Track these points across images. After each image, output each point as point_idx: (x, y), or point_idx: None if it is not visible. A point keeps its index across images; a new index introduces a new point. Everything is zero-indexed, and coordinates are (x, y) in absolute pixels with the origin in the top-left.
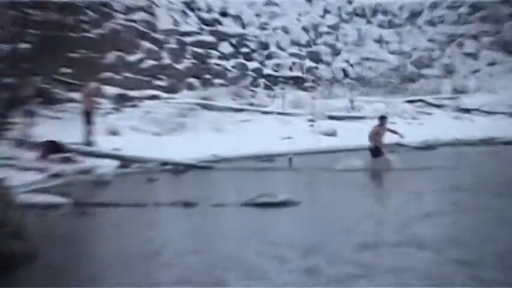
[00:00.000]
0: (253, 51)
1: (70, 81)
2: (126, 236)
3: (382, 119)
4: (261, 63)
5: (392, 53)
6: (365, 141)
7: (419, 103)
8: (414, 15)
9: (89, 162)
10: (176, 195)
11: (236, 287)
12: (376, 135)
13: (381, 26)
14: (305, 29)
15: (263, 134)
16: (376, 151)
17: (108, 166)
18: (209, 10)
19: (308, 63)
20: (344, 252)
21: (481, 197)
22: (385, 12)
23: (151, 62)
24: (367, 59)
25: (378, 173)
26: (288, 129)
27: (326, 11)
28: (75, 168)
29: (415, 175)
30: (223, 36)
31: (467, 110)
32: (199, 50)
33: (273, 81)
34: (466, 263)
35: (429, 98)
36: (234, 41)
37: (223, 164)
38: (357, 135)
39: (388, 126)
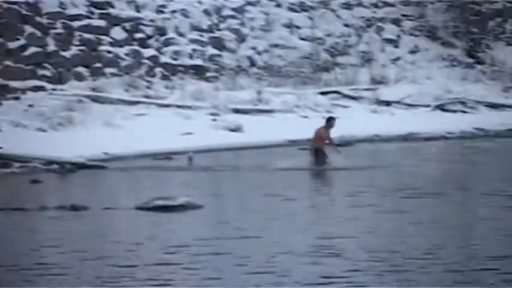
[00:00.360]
0: (149, 37)
1: None
2: (3, 245)
3: (330, 120)
4: (158, 50)
5: (304, 39)
6: (273, 138)
7: (334, 95)
8: None
9: None
10: (63, 198)
11: None
12: (319, 138)
13: (291, 9)
14: (207, 13)
15: (160, 130)
16: (316, 152)
17: None
18: None
19: (210, 50)
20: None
21: (399, 199)
22: None
23: (34, 49)
24: (276, 45)
25: (317, 173)
26: (188, 124)
27: None
28: None
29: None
30: (115, 21)
31: (387, 103)
32: (89, 36)
33: (171, 71)
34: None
35: (345, 89)
36: (127, 25)
37: (116, 163)
38: (265, 130)
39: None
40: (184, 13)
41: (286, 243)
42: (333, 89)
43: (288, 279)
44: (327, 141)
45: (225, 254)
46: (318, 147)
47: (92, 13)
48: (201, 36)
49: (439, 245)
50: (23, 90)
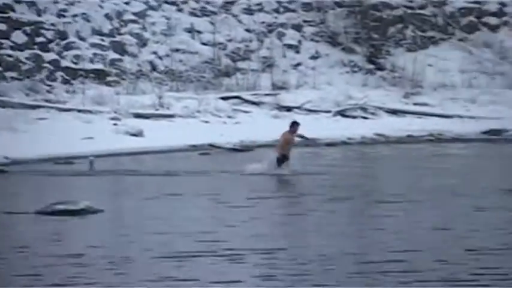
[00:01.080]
0: (50, 41)
1: None
2: None
3: (294, 125)
4: (59, 54)
5: (205, 44)
6: (174, 142)
7: (235, 100)
8: (230, 2)
9: None
10: None
11: None
12: (286, 143)
13: (192, 14)
14: (108, 17)
15: (61, 134)
16: (283, 158)
17: None
18: None
19: (111, 54)
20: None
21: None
22: None
23: None
24: (177, 50)
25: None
26: (89, 128)
27: None
28: None
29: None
30: (16, 24)
31: (288, 108)
32: None
33: (72, 75)
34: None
35: (246, 95)
36: (28, 29)
37: (16, 167)
38: (166, 135)
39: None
40: (86, 17)
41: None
42: (234, 94)
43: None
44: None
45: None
46: (284, 153)
47: None
48: (102, 40)
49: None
50: None
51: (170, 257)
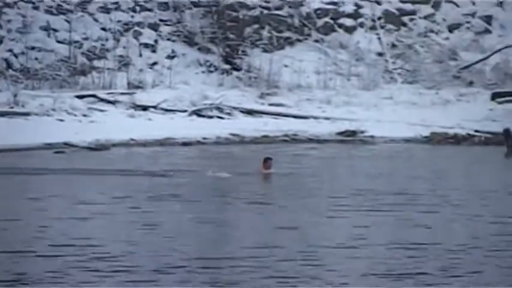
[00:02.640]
0: None
1: None
2: None
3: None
4: None
5: (61, 42)
6: (29, 141)
7: (91, 98)
8: (86, 1)
9: None
10: None
11: None
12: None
13: (48, 11)
14: None
15: None
16: None
17: None
18: None
19: None
20: None
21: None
22: None
23: None
24: (33, 48)
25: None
26: None
27: None
28: None
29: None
30: None
31: (144, 107)
32: None
33: None
34: None
35: (102, 93)
36: None
37: None
38: (21, 133)
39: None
40: None
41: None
42: (90, 92)
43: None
44: None
45: None
46: None
47: None
48: None
49: None
50: None
51: None
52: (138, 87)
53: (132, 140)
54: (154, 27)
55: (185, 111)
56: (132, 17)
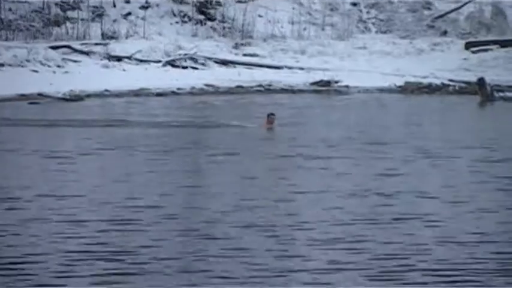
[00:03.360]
0: None
1: None
2: None
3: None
4: None
5: None
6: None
7: (65, 49)
8: None
9: None
10: None
11: None
12: None
13: None
14: None
15: None
16: None
17: None
18: None
19: None
20: None
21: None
22: None
23: None
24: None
25: None
26: None
27: None
28: None
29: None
30: None
31: (118, 58)
32: None
33: None
34: None
35: (76, 44)
36: None
37: None
38: None
39: None
40: None
41: None
42: (64, 43)
43: None
44: None
45: None
46: None
47: None
48: None
49: None
50: None
51: None
52: (112, 37)
53: (107, 90)
54: None
55: (159, 61)
56: None
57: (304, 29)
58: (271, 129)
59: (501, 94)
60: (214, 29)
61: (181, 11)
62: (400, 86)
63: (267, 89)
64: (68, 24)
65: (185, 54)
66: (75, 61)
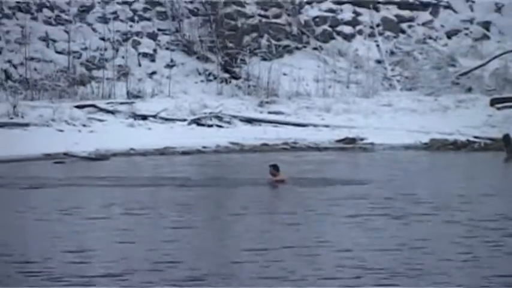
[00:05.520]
0: None
1: None
2: None
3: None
4: None
5: (60, 52)
6: (29, 151)
7: (90, 108)
8: (84, 11)
9: None
10: None
11: None
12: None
13: (47, 22)
14: None
15: None
16: None
17: None
18: None
19: None
20: None
21: None
22: (51, 8)
23: None
24: (32, 59)
25: None
26: None
27: None
28: None
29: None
30: None
31: (143, 117)
32: None
33: None
34: None
35: (101, 103)
36: None
37: None
38: (20, 144)
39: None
40: None
41: None
42: (89, 102)
43: None
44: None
45: None
46: None
47: None
48: None
49: None
50: None
51: None
52: (137, 96)
53: (132, 149)
54: (153, 36)
55: (184, 120)
56: (131, 26)
57: (329, 86)
58: (277, 184)
59: None
60: (239, 87)
61: (206, 70)
62: (425, 143)
63: (293, 147)
64: (93, 83)
65: (210, 113)
66: (100, 120)
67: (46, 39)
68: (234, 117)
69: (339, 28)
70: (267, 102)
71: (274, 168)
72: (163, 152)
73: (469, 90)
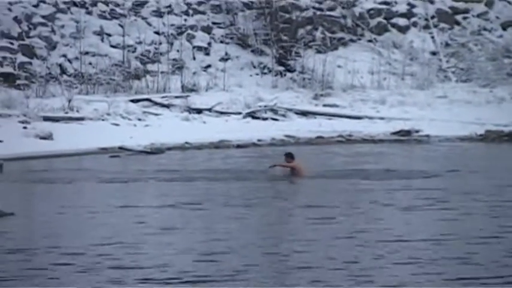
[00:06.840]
0: None
1: None
2: None
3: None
4: None
5: (114, 46)
6: (84, 145)
7: (145, 102)
8: (139, 4)
9: None
10: None
11: None
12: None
13: (102, 16)
14: (17, 20)
15: None
16: None
17: None
18: None
19: (20, 58)
20: None
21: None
22: (106, 2)
23: None
24: (87, 53)
25: None
26: None
27: (41, 0)
28: None
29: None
30: None
31: (198, 110)
32: None
33: None
34: None
35: (156, 97)
36: None
37: None
38: (76, 138)
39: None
40: None
41: None
42: (144, 96)
43: None
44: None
45: None
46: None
47: None
48: (11, 43)
49: None
50: None
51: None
52: (192, 90)
53: (187, 143)
54: (207, 30)
55: (239, 113)
56: (185, 20)
57: (384, 78)
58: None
59: None
60: (294, 80)
61: (260, 63)
62: (481, 135)
63: (348, 139)
64: (148, 77)
65: (265, 106)
66: (155, 114)
67: (101, 33)
68: (289, 110)
69: (393, 20)
70: (321, 95)
71: (289, 156)
72: (218, 145)
73: None
